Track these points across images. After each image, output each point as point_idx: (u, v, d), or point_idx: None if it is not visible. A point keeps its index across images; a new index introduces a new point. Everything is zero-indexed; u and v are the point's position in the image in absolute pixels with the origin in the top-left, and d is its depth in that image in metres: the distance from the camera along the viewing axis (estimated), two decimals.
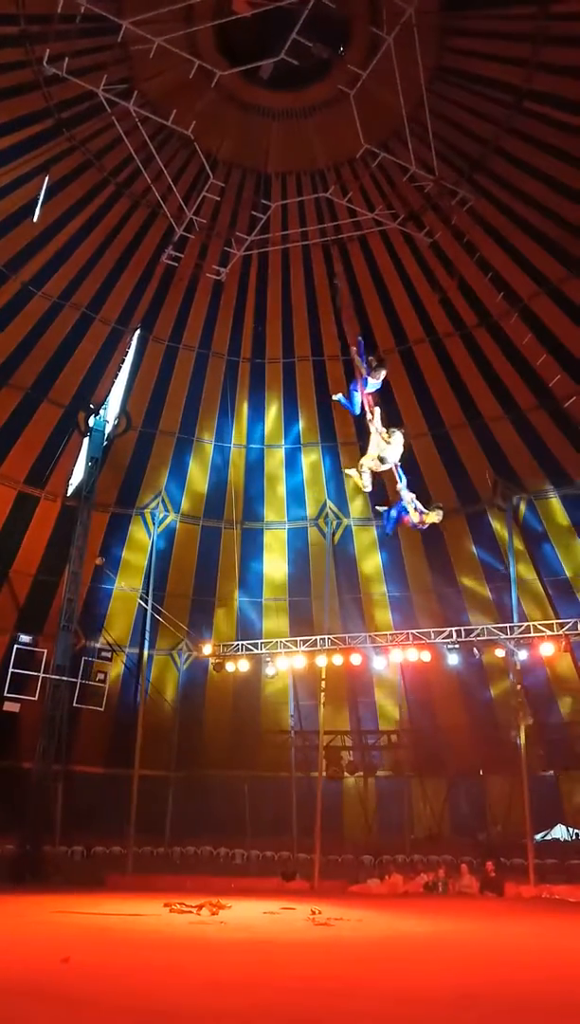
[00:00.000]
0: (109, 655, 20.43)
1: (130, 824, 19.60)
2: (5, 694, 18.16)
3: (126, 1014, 4.96)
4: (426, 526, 11.60)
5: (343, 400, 11.86)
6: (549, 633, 18.51)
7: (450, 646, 19.03)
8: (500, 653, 19.37)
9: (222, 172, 18.32)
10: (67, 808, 20.05)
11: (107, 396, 20.54)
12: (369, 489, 11.67)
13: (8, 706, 18.18)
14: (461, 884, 17.98)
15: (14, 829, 18.48)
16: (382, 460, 11.19)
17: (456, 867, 18.64)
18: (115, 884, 18.06)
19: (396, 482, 11.35)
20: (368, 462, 11.28)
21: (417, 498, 11.39)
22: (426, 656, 19.46)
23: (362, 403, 11.38)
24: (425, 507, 11.46)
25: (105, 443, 20.36)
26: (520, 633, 18.83)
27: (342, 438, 21.89)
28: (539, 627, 18.75)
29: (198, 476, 22.52)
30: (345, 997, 5.57)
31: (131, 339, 20.32)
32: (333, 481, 22.40)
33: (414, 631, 19.90)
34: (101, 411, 20.27)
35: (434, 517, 11.64)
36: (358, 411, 11.53)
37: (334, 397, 12.30)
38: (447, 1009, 5.27)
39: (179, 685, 22.68)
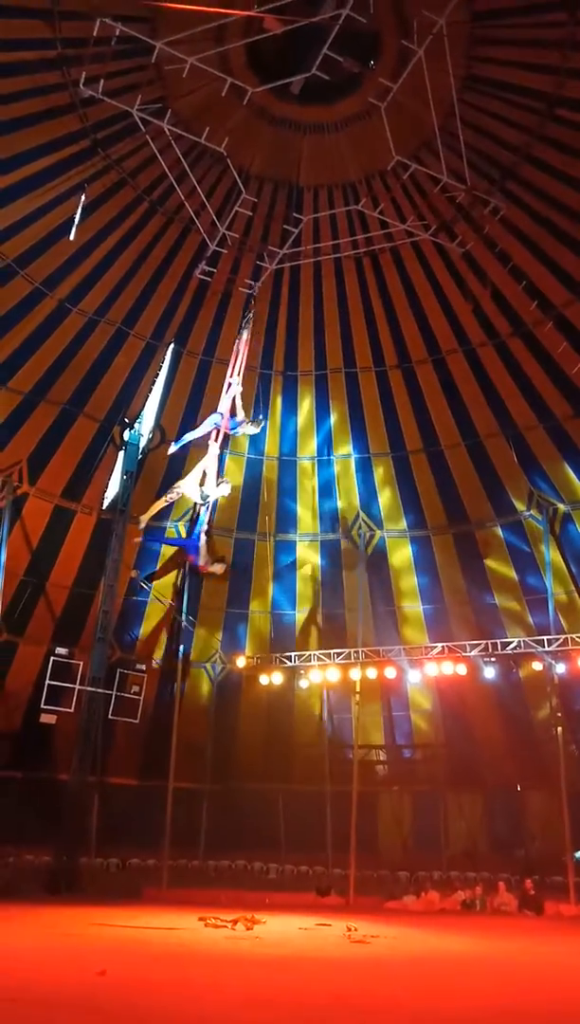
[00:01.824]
0: (144, 667, 20.54)
1: (165, 837, 19.62)
2: (42, 705, 18.35)
3: None
4: (206, 573, 12.53)
5: (218, 421, 12.32)
6: None
7: (486, 659, 18.78)
8: (537, 666, 19.06)
9: (254, 187, 18.48)
10: (102, 820, 20.15)
11: (141, 410, 20.75)
12: (168, 504, 12.35)
13: (45, 718, 18.36)
14: (499, 902, 17.67)
15: (50, 841, 18.60)
16: (204, 497, 11.70)
17: (494, 884, 18.32)
18: (151, 897, 18.08)
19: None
20: (184, 486, 11.82)
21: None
22: (461, 669, 19.22)
23: (212, 434, 11.98)
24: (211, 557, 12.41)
25: (140, 457, 20.56)
26: (558, 646, 18.52)
27: (375, 449, 21.84)
28: (577, 639, 18.42)
29: (232, 489, 22.55)
30: (381, 1015, 5.49)
31: (165, 353, 20.53)
32: (366, 492, 22.32)
33: (449, 644, 19.68)
34: (136, 425, 20.48)
35: (217, 569, 12.73)
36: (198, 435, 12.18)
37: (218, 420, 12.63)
38: None
39: (213, 697, 22.70)
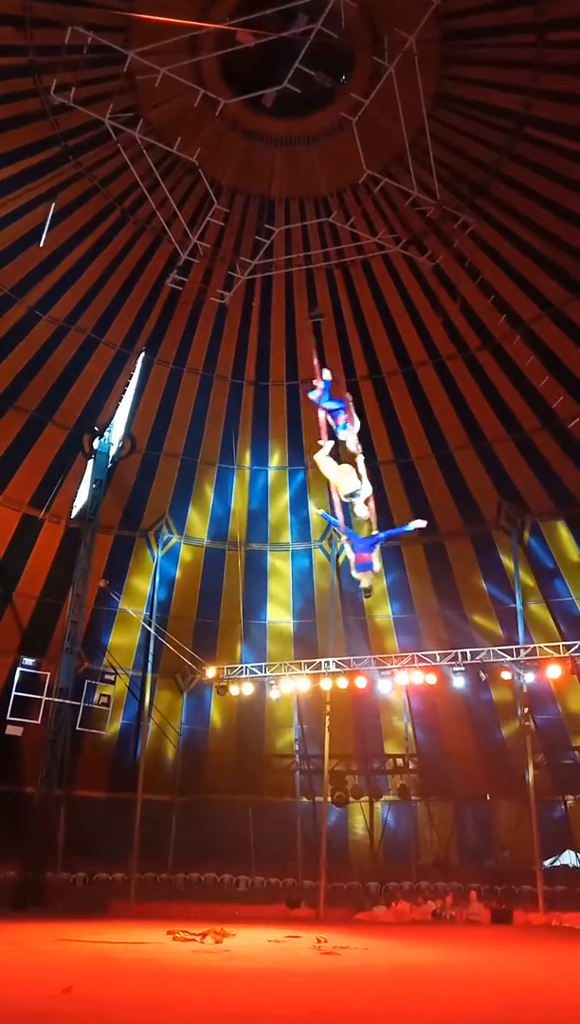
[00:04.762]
0: (112, 678, 20.32)
1: (133, 850, 19.37)
2: (8, 717, 18.06)
3: None
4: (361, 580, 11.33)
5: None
6: (555, 655, 18.37)
7: (456, 669, 18.89)
8: (506, 676, 19.21)
9: (226, 197, 18.54)
10: (69, 833, 19.83)
11: (112, 418, 20.62)
12: (337, 521, 11.55)
13: (11, 729, 18.07)
14: (469, 912, 17.71)
15: (16, 855, 18.27)
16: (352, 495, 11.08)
17: (464, 894, 18.36)
18: (118, 911, 17.82)
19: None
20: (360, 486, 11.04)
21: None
22: (431, 679, 19.31)
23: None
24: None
25: (109, 465, 20.41)
26: (526, 655, 18.69)
27: (346, 460, 21.85)
28: (545, 649, 18.61)
29: (203, 498, 22.53)
30: None
31: (136, 362, 20.44)
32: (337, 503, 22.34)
33: (419, 653, 19.76)
34: (106, 433, 20.34)
35: (368, 585, 11.38)
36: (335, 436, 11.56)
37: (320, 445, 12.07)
38: None
39: (183, 708, 22.52)
